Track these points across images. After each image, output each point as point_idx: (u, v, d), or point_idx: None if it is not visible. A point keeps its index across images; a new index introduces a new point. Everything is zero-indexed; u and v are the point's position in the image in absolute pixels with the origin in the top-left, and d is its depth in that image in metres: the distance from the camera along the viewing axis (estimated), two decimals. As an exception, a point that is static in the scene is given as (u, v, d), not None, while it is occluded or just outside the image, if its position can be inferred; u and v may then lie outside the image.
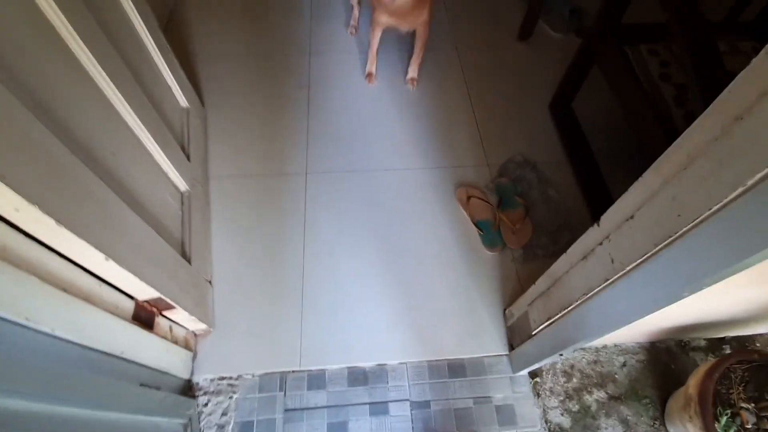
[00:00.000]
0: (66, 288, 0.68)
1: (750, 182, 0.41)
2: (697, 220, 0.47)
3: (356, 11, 1.87)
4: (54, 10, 0.71)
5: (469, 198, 1.41)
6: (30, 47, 0.66)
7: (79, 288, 0.72)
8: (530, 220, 1.38)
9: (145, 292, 0.88)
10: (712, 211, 0.46)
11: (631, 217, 0.60)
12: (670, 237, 0.51)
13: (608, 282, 0.66)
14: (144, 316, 0.92)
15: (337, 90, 1.71)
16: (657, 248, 0.54)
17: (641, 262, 0.58)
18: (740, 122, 0.43)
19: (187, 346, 1.09)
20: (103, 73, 0.83)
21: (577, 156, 1.54)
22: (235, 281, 1.27)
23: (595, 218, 1.42)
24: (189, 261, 1.10)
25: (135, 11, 1.08)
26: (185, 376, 1.08)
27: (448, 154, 1.57)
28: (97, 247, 0.69)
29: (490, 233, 1.36)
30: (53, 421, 0.62)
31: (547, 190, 1.46)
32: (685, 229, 0.49)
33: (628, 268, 0.61)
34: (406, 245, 1.36)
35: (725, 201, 0.44)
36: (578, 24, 1.96)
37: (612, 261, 0.64)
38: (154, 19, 1.18)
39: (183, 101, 1.37)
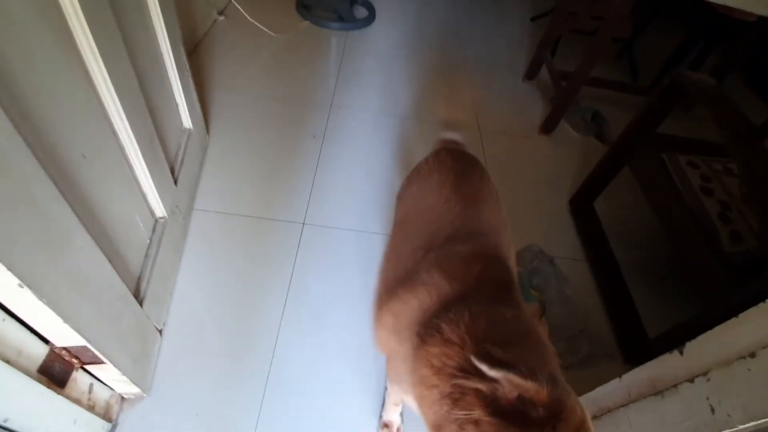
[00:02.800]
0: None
1: None
2: None
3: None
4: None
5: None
6: None
7: (-30, 320, 0.51)
8: (546, 320, 1.21)
9: (66, 337, 0.66)
10: None
11: (751, 355, 0.43)
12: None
13: (701, 438, 0.48)
14: (57, 370, 0.69)
15: (352, 147, 1.62)
16: (806, 412, 0.37)
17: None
18: None
19: (106, 416, 0.83)
20: (102, 65, 0.70)
21: (597, 257, 1.41)
22: (193, 335, 1.04)
23: (617, 329, 1.28)
24: (141, 303, 0.89)
25: (162, 24, 0.98)
26: (92, 457, 0.81)
27: (460, 231, 1.43)
28: (10, 268, 0.49)
29: (499, 329, 1.17)
30: None
31: (565, 290, 1.31)
32: None
33: (741, 427, 0.43)
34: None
35: None
36: (598, 128, 1.97)
37: (712, 410, 0.46)
38: (180, 37, 1.09)
39: (187, 122, 1.24)
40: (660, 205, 1.20)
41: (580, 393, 0.78)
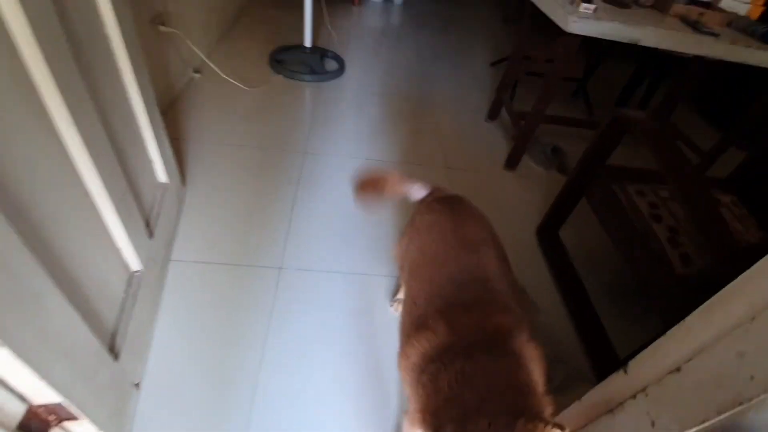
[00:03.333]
0: None
1: None
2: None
3: None
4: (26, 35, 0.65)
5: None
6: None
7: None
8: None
9: (42, 394, 0.66)
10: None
11: (677, 369, 0.49)
12: (741, 404, 0.40)
13: (646, 451, 0.52)
14: (35, 426, 0.68)
15: (326, 190, 1.68)
16: (721, 416, 0.42)
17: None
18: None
19: (79, 478, 0.81)
20: (73, 129, 0.74)
21: (566, 284, 1.48)
22: (172, 388, 1.03)
23: (590, 353, 1.32)
24: (116, 357, 0.89)
25: (136, 85, 1.05)
26: None
27: (434, 267, 1.48)
28: (-13, 330, 0.51)
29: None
30: None
31: (538, 317, 1.36)
32: (763, 396, 0.39)
33: (676, 436, 0.48)
34: (387, 365, 1.17)
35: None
36: (559, 162, 2.10)
37: (652, 424, 0.51)
38: (153, 96, 1.15)
39: (163, 176, 1.29)
40: (615, 233, 1.29)
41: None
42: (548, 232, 1.63)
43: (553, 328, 1.37)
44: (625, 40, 1.52)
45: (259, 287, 1.29)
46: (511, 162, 1.98)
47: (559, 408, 0.80)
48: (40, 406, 0.70)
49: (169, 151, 1.30)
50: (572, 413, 0.71)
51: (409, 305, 0.82)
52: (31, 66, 0.64)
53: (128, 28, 0.96)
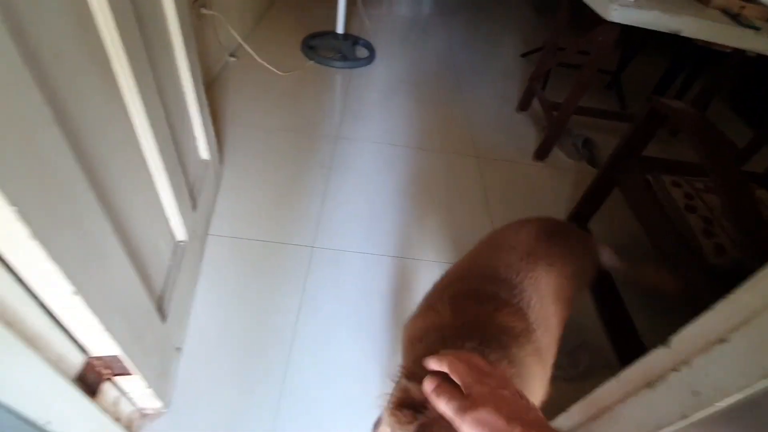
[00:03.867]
0: (10, 322, 0.54)
1: None
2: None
3: None
4: (109, 29, 0.69)
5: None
6: (68, 49, 0.62)
7: (27, 326, 0.57)
8: (549, 337, 1.25)
9: (102, 346, 0.71)
10: None
11: (722, 340, 0.49)
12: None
13: (687, 420, 0.53)
14: (90, 379, 0.74)
15: (357, 175, 1.71)
16: (764, 380, 0.43)
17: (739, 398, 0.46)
18: None
19: (128, 428, 0.87)
20: (138, 100, 0.79)
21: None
22: (208, 355, 1.08)
23: (615, 341, 1.32)
24: (164, 320, 0.94)
25: (186, 63, 1.09)
26: (115, 470, 0.84)
27: (460, 248, 1.49)
28: (68, 277, 0.56)
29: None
30: None
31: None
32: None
33: (719, 405, 0.49)
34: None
35: None
36: (589, 154, 2.07)
37: (695, 394, 0.52)
38: (200, 75, 1.20)
39: (205, 154, 1.34)
40: (648, 223, 1.28)
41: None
42: (578, 223, 1.62)
43: (579, 315, 1.37)
44: (665, 30, 1.48)
45: (291, 264, 1.33)
46: (541, 153, 1.97)
47: (581, 394, 0.82)
48: (97, 359, 0.75)
49: (212, 130, 1.35)
50: (607, 389, 0.72)
51: (435, 287, 0.83)
52: (104, 32, 0.68)
53: (182, 6, 1.00)
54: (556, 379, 1.20)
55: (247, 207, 1.48)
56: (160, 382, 0.92)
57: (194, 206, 1.19)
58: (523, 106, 2.27)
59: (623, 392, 0.68)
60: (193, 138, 1.24)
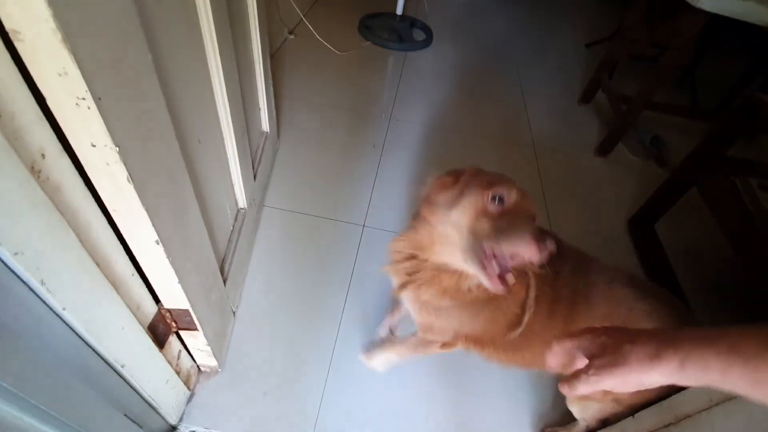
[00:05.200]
0: (100, 264, 0.55)
1: None
2: None
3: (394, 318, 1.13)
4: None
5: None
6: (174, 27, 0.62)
7: (113, 270, 0.59)
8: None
9: (174, 299, 0.73)
10: None
11: None
12: None
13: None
14: (160, 330, 0.76)
15: (409, 158, 1.68)
16: None
17: None
18: None
19: (187, 383, 0.90)
20: (218, 58, 0.79)
21: (658, 279, 1.38)
22: (260, 322, 1.10)
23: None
24: (225, 282, 0.96)
25: (257, 34, 1.09)
26: (172, 420, 0.87)
27: (515, 244, 1.44)
28: (154, 225, 0.57)
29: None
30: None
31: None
32: None
33: None
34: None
35: None
36: (657, 153, 1.94)
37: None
38: (268, 46, 1.21)
39: (265, 125, 1.35)
40: (730, 229, 1.17)
41: (645, 404, 0.77)
42: (643, 224, 1.53)
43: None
44: (757, 23, 1.35)
45: (342, 241, 1.33)
46: (604, 148, 1.86)
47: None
48: (168, 310, 0.77)
49: (273, 102, 1.36)
50: (688, 397, 0.66)
51: None
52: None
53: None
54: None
55: (301, 182, 1.49)
56: (218, 342, 0.94)
57: (254, 176, 1.20)
58: (586, 98, 2.15)
59: (708, 401, 0.63)
60: (257, 108, 1.25)
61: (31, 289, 0.45)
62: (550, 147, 1.87)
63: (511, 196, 0.62)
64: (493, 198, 0.61)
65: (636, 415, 0.78)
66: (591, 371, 0.40)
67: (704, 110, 2.18)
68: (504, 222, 0.60)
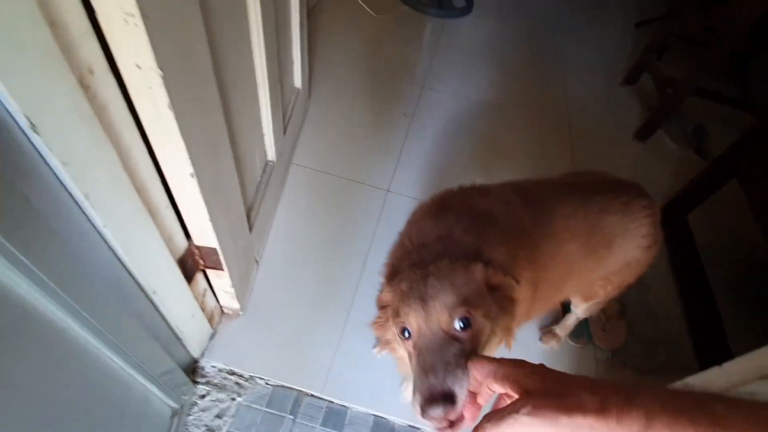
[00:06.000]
0: (139, 189, 0.57)
1: None
2: None
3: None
4: None
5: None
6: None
7: (149, 197, 0.61)
8: (625, 323, 1.17)
9: (204, 236, 0.75)
10: None
11: None
12: None
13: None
14: (189, 265, 0.79)
15: (438, 128, 1.65)
16: None
17: None
18: None
19: (210, 321, 0.94)
20: (259, 11, 0.79)
21: (685, 270, 1.34)
22: (281, 273, 1.13)
23: (698, 341, 1.21)
24: (251, 230, 0.98)
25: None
26: (195, 353, 0.92)
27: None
28: (190, 157, 0.58)
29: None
30: (55, 334, 0.48)
31: (647, 296, 1.26)
32: None
33: None
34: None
35: None
36: (698, 142, 1.85)
37: None
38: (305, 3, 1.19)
39: (298, 81, 1.34)
40: (771, 222, 1.12)
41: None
42: (675, 213, 1.47)
43: (660, 309, 1.26)
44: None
45: (366, 204, 1.34)
46: (644, 133, 1.78)
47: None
48: (198, 248, 0.80)
49: (306, 58, 1.35)
50: (708, 378, 0.65)
51: None
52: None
53: None
54: (625, 366, 1.13)
55: (329, 142, 1.49)
56: (241, 286, 0.97)
57: (284, 131, 1.21)
58: (630, 79, 2.05)
59: (728, 383, 0.62)
60: (291, 62, 1.25)
61: (77, 203, 0.48)
62: (586, 127, 1.80)
63: (413, 328, 0.47)
64: (402, 331, 0.48)
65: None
66: (525, 409, 0.32)
67: (754, 103, 2.05)
68: (420, 359, 0.44)
